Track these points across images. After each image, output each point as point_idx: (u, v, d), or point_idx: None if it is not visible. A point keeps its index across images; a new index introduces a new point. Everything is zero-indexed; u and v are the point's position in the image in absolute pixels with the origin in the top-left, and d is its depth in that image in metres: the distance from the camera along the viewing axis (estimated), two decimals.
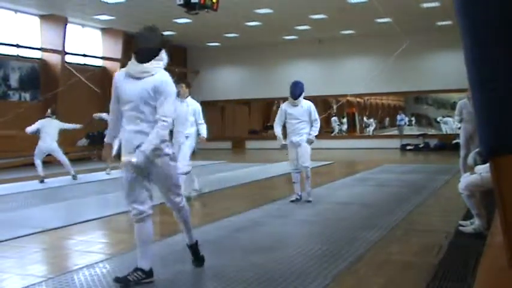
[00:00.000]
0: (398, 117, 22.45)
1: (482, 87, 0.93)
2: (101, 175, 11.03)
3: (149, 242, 3.63)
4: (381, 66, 16.06)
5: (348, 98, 22.83)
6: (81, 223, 5.84)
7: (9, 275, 3.93)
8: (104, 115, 10.67)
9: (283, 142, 6.65)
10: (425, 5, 14.19)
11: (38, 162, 9.83)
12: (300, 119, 6.58)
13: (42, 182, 9.68)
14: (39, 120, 10.01)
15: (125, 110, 3.44)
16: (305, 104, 6.64)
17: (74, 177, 10.10)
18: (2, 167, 13.17)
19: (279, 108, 6.86)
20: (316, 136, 6.73)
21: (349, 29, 17.84)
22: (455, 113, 8.63)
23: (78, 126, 10.97)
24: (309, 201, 6.68)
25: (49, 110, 10.28)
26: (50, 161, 10.57)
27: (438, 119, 20.74)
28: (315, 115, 6.65)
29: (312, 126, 6.62)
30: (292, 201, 6.70)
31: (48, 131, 9.87)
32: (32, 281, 3.67)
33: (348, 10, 14.60)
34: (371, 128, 22.67)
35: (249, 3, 13.83)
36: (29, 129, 9.89)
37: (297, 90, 6.58)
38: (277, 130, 6.69)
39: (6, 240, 4.96)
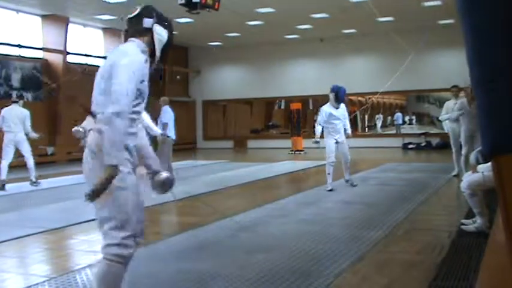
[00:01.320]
0: (396, 116, 22.42)
1: (485, 87, 0.93)
2: None
3: None
4: (396, 66, 16.00)
5: (350, 97, 22.87)
6: (84, 223, 5.84)
7: (12, 274, 3.94)
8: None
9: (318, 140, 7.61)
10: (427, 3, 14.16)
11: (5, 164, 8.94)
12: (341, 120, 7.59)
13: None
14: (2, 109, 9.05)
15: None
16: (343, 106, 7.71)
17: (34, 183, 9.20)
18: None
19: (321, 110, 7.71)
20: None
21: (351, 28, 17.82)
22: (442, 111, 8.85)
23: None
24: (355, 185, 7.80)
25: (14, 95, 9.35)
26: (53, 161, 10.60)
27: (440, 118, 20.74)
28: (347, 115, 7.84)
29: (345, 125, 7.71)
30: (329, 190, 7.49)
31: (14, 120, 8.85)
32: (35, 280, 3.68)
33: (350, 9, 14.58)
34: (379, 124, 22.70)
35: (251, 3, 13.82)
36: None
37: (341, 95, 7.53)
38: (319, 129, 7.63)
39: (8, 240, 4.97)
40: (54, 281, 3.65)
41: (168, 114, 9.90)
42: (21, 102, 9.36)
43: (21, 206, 7.25)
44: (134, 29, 2.62)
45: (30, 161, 9.01)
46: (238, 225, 5.35)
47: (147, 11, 2.65)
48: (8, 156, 8.79)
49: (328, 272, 3.65)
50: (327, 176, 7.62)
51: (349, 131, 7.78)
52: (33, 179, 9.10)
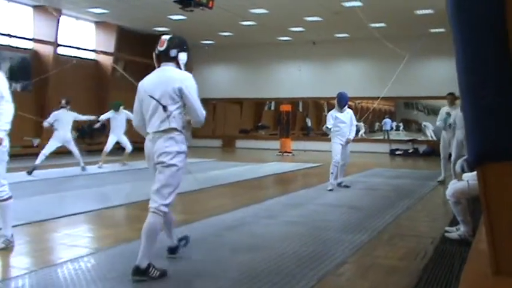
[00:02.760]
0: (384, 121, 22.58)
1: (472, 95, 0.94)
2: (90, 168, 10.94)
3: None
4: (387, 71, 16.09)
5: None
6: (68, 216, 5.80)
7: None
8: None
9: (329, 126, 7.93)
10: (419, 11, 14.28)
11: (44, 153, 9.93)
12: (346, 123, 7.94)
13: (30, 173, 9.61)
14: (53, 112, 10.16)
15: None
16: (349, 111, 8.09)
17: (83, 169, 10.35)
18: None
19: (329, 114, 8.16)
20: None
21: (344, 33, 17.90)
22: (438, 118, 8.99)
23: (92, 117, 11.25)
24: (348, 187, 8.20)
25: (63, 101, 10.28)
26: (39, 153, 10.45)
27: (423, 124, 21.09)
28: (354, 120, 8.18)
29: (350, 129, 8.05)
30: (330, 189, 7.81)
31: (64, 122, 10.05)
32: (15, 273, 3.63)
33: (343, 13, 14.65)
34: (361, 132, 22.81)
35: (244, 3, 13.82)
36: (46, 122, 10.07)
37: (343, 101, 7.92)
38: (330, 125, 7.94)
39: None
40: (34, 274, 3.60)
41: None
42: (68, 107, 10.27)
43: None
44: (165, 57, 3.63)
45: (77, 152, 10.47)
46: (224, 224, 5.34)
47: (172, 44, 3.64)
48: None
49: (312, 274, 3.66)
50: (330, 175, 7.93)
51: (351, 135, 8.07)
52: (82, 164, 10.44)
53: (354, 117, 8.16)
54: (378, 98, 19.65)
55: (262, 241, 4.69)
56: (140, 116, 3.69)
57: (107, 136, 12.00)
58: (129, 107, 13.20)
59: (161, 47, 3.61)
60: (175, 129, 3.50)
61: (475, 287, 2.40)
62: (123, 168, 11.48)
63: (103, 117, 11.47)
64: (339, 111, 8.00)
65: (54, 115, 10.04)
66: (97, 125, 16.86)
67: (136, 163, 11.95)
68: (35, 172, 9.73)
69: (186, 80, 3.56)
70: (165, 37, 3.66)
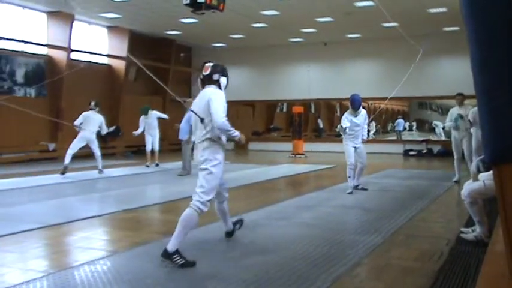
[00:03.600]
0: (397, 122, 22.39)
1: (488, 95, 0.93)
2: (104, 172, 11.04)
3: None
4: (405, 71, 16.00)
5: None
6: (83, 220, 5.86)
7: (11, 269, 3.95)
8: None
9: (343, 126, 7.77)
10: (432, 10, 14.16)
11: (70, 152, 10.38)
12: (361, 126, 7.91)
13: (63, 174, 10.06)
14: (83, 113, 10.55)
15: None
16: (363, 113, 8.01)
17: (100, 172, 10.58)
18: (4, 161, 13.23)
19: (343, 117, 7.99)
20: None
21: (355, 33, 17.83)
22: (446, 119, 8.95)
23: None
24: (365, 189, 8.09)
25: (92, 103, 10.71)
26: (55, 157, 10.60)
27: (433, 124, 21.04)
28: (367, 120, 8.17)
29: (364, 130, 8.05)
30: (349, 193, 7.74)
31: (91, 122, 10.49)
32: (33, 275, 3.68)
33: (355, 14, 14.59)
34: (371, 132, 22.73)
35: (256, 5, 13.84)
36: (76, 122, 10.50)
37: (356, 104, 7.82)
38: (345, 123, 7.77)
39: (8, 235, 4.98)
40: (52, 276, 3.65)
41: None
42: (97, 109, 10.67)
43: (21, 201, 7.25)
44: (208, 80, 4.20)
45: (98, 154, 10.70)
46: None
47: (214, 69, 4.24)
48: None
49: (326, 275, 3.65)
50: (348, 179, 7.88)
51: (365, 136, 8.09)
52: (100, 167, 10.63)
53: (367, 118, 8.15)
54: (391, 98, 19.53)
55: (276, 243, 4.69)
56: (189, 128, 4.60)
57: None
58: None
59: (205, 72, 4.21)
60: (210, 139, 4.05)
61: None
62: (141, 171, 11.62)
63: (139, 130, 12.27)
64: (353, 114, 7.90)
65: (83, 115, 10.46)
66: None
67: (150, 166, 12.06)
68: (48, 176, 9.88)
69: (213, 94, 4.06)
70: (209, 64, 4.28)
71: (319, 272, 3.73)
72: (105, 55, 17.45)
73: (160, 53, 19.11)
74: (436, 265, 3.94)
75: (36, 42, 14.88)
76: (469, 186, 4.58)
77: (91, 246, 4.69)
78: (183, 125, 10.54)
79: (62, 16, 15.13)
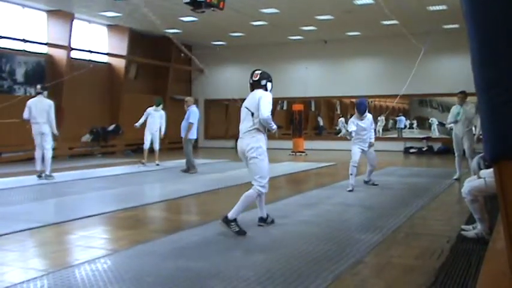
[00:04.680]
0: (398, 119, 22.37)
1: (488, 92, 0.93)
2: (104, 171, 11.05)
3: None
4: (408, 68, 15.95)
5: (352, 99, 22.81)
6: (83, 218, 5.86)
7: (11, 268, 3.95)
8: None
9: (350, 130, 8.01)
10: (432, 7, 14.14)
11: (38, 157, 9.38)
12: (367, 130, 8.06)
13: (40, 177, 9.35)
14: (28, 101, 9.33)
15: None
16: (370, 117, 8.16)
17: (47, 177, 9.28)
18: (4, 161, 13.23)
19: (350, 121, 8.21)
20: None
21: (355, 31, 17.81)
22: (449, 117, 8.99)
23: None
24: (376, 185, 8.42)
25: (38, 86, 9.71)
26: (54, 156, 10.56)
27: (430, 120, 21.21)
28: (373, 124, 8.37)
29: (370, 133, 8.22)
30: (349, 190, 7.80)
31: (40, 111, 9.14)
32: (33, 274, 3.68)
33: (354, 11, 14.57)
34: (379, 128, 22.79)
35: (255, 3, 13.82)
36: (24, 114, 9.27)
37: (362, 108, 8.00)
38: (352, 127, 7.97)
39: (8, 234, 4.98)
40: (52, 275, 3.65)
41: (195, 114, 10.45)
42: (45, 93, 9.48)
43: (21, 200, 7.26)
44: (257, 85, 5.14)
45: (48, 154, 9.27)
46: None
47: (262, 76, 5.14)
48: (40, 146, 9.24)
49: (327, 273, 3.65)
50: (350, 176, 7.96)
51: (372, 139, 8.22)
52: (48, 173, 9.35)
53: (373, 121, 8.31)
54: (390, 95, 19.56)
55: (276, 241, 4.69)
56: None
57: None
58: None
59: (255, 78, 5.14)
60: (257, 129, 4.94)
61: (493, 286, 2.37)
62: (140, 170, 11.52)
63: (140, 121, 11.80)
64: (359, 118, 8.01)
65: (28, 104, 9.15)
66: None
67: (150, 164, 12.06)
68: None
69: (262, 94, 5.01)
70: (258, 72, 5.19)
71: (320, 270, 3.73)
72: (105, 54, 17.44)
73: (161, 51, 19.11)
74: (437, 263, 3.94)
75: (36, 41, 14.87)
76: (469, 183, 4.58)
77: (91, 245, 4.69)
78: (185, 123, 10.57)
79: (62, 15, 15.12)
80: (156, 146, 12.07)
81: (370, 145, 8.17)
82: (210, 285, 3.42)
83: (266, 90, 5.09)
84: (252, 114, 4.95)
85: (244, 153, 4.97)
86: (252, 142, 4.90)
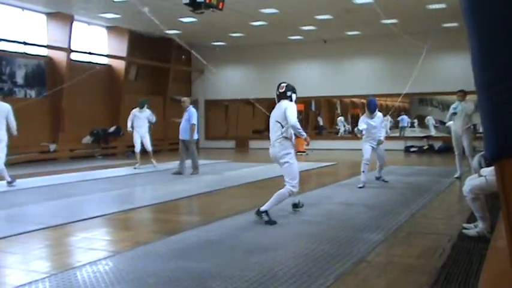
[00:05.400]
0: (400, 118, 22.35)
1: (488, 91, 0.93)
2: (105, 172, 11.05)
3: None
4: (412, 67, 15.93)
5: (352, 99, 22.82)
6: (85, 220, 5.86)
7: (13, 270, 3.95)
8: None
9: (360, 129, 8.15)
10: (431, 6, 14.13)
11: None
12: (377, 128, 8.27)
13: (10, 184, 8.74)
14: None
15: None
16: (380, 115, 8.44)
17: (8, 184, 8.63)
18: (5, 163, 13.22)
19: (360, 119, 8.41)
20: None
21: (355, 30, 17.80)
22: (448, 115, 9.03)
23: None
24: (386, 181, 8.66)
25: None
26: (55, 158, 10.59)
27: (426, 119, 21.30)
28: (383, 122, 8.69)
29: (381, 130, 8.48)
30: (360, 187, 8.06)
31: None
32: (35, 277, 3.69)
33: (354, 11, 14.57)
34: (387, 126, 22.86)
35: (255, 3, 13.82)
36: (128, 124, 11.16)
37: (372, 106, 8.26)
38: (362, 125, 8.16)
39: (10, 236, 4.99)
40: (54, 277, 3.65)
41: (195, 115, 10.42)
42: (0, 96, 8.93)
43: (23, 202, 7.26)
44: (283, 96, 5.64)
45: (1, 162, 8.43)
46: (240, 225, 5.36)
47: (287, 88, 5.67)
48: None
49: (328, 273, 3.65)
50: (362, 173, 8.20)
51: (382, 137, 8.45)
52: (9, 180, 8.62)
53: (383, 119, 8.61)
54: (390, 95, 19.56)
55: (278, 241, 4.68)
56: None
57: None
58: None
59: (281, 90, 5.67)
60: (285, 137, 5.47)
61: (495, 284, 2.37)
62: (140, 171, 11.45)
63: (128, 125, 11.60)
64: (370, 116, 8.25)
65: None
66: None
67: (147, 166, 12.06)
68: (49, 177, 9.88)
69: (288, 104, 5.51)
70: (283, 84, 5.74)
71: (321, 270, 3.73)
72: (105, 55, 17.45)
73: (160, 52, 19.12)
74: (439, 262, 3.93)
75: (36, 43, 14.88)
76: (470, 182, 4.57)
77: (93, 246, 4.69)
78: (184, 124, 10.50)
79: (62, 17, 15.13)
80: (148, 147, 11.66)
81: (379, 143, 8.36)
82: (212, 286, 3.42)
83: (291, 100, 5.58)
84: (280, 124, 5.46)
85: (277, 158, 5.58)
86: (282, 149, 5.48)
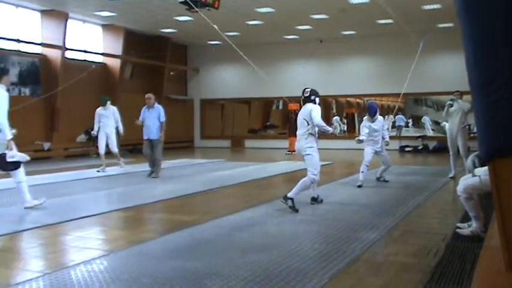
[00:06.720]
0: (397, 118, 22.42)
1: (482, 91, 0.93)
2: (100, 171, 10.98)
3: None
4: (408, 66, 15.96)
5: (348, 98, 22.86)
6: (79, 219, 5.84)
7: (7, 269, 3.93)
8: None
9: (361, 139, 8.37)
10: (426, 6, 14.18)
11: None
12: (379, 132, 8.51)
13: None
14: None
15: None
16: (380, 118, 8.64)
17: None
18: None
19: (362, 125, 8.62)
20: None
21: (351, 30, 17.83)
22: (443, 115, 9.08)
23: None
24: (386, 181, 8.86)
25: None
26: (49, 157, 10.54)
27: (422, 119, 21.42)
28: (385, 125, 8.93)
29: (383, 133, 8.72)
30: (359, 186, 8.24)
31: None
32: (29, 276, 3.67)
33: (349, 10, 14.59)
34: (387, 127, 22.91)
35: (251, 2, 13.82)
36: (95, 127, 10.75)
37: (372, 110, 8.51)
38: (365, 130, 8.39)
39: (3, 235, 4.96)
40: (48, 276, 3.64)
41: (163, 112, 9.96)
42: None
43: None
44: (308, 100, 6.44)
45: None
46: (235, 224, 5.35)
47: (312, 93, 6.47)
48: None
49: (323, 272, 3.65)
50: (360, 173, 8.36)
51: (387, 138, 8.78)
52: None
53: (384, 122, 8.80)
54: (386, 94, 19.60)
55: (273, 240, 4.69)
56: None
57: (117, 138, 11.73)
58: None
59: (306, 95, 6.44)
60: (311, 134, 6.29)
61: (488, 283, 2.38)
62: (131, 171, 11.38)
63: (95, 128, 10.83)
64: (371, 121, 8.44)
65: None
66: None
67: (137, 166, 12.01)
68: (43, 176, 9.81)
69: (313, 106, 6.33)
70: (308, 89, 6.51)
71: (317, 269, 3.73)
72: (100, 53, 17.39)
73: (156, 50, 19.07)
74: (433, 261, 3.95)
75: (31, 41, 14.80)
76: (464, 181, 4.59)
77: (87, 245, 4.68)
78: (153, 122, 9.68)
79: (56, 14, 15.06)
80: (114, 149, 11.01)
81: (387, 144, 8.73)
82: (207, 285, 3.42)
83: (315, 103, 6.37)
84: (307, 122, 6.28)
85: (300, 151, 6.35)
86: (306, 143, 6.27)
